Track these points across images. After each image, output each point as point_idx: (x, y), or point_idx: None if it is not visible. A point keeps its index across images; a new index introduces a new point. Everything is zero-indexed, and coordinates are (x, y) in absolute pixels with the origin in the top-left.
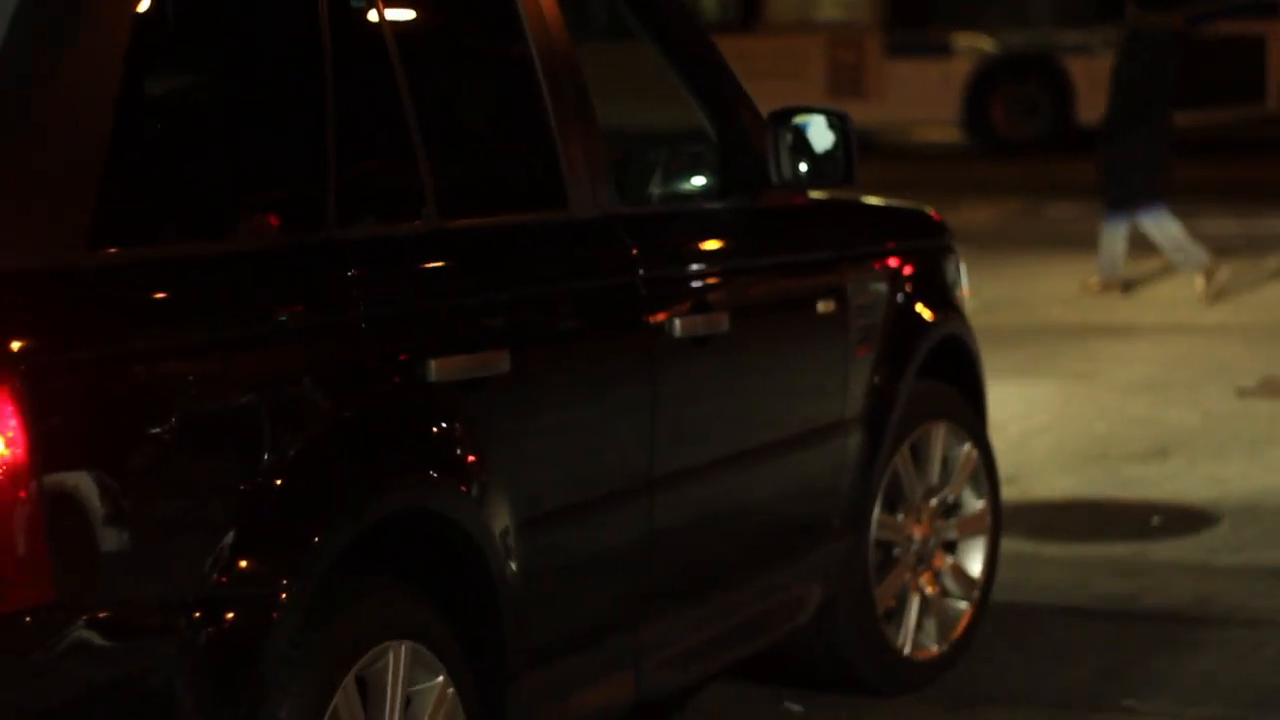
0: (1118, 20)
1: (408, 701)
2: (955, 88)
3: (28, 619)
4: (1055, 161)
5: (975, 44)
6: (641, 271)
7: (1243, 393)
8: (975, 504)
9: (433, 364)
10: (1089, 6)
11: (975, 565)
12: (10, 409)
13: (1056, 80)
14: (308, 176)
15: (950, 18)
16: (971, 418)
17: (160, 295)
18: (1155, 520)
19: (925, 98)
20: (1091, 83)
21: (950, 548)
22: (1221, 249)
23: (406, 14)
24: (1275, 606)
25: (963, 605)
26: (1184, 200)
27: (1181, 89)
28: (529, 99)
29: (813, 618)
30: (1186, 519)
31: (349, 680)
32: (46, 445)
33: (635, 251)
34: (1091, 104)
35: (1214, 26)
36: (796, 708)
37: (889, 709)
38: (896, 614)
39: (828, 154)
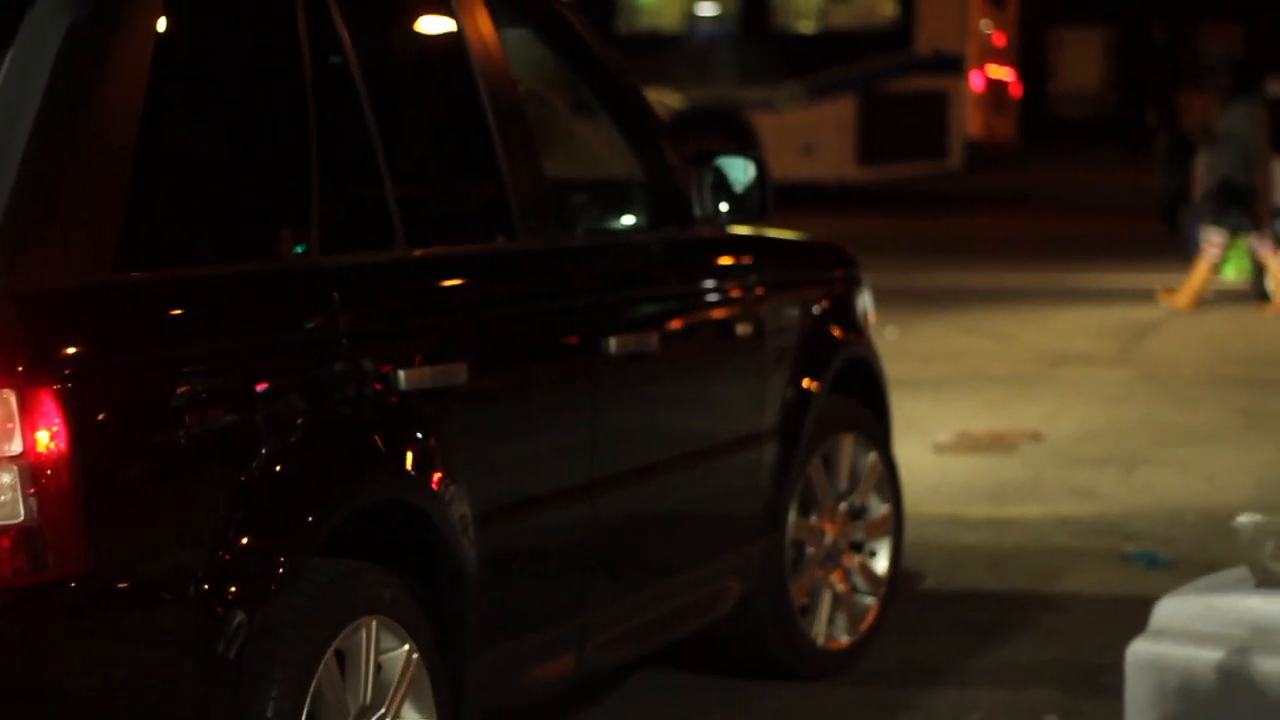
0: (801, 77)
1: (379, 669)
2: None
3: (69, 585)
4: None
5: (664, 100)
6: (581, 295)
7: (939, 448)
8: (880, 509)
9: (402, 374)
10: (772, 66)
11: (881, 564)
12: (53, 408)
13: (742, 134)
14: (295, 210)
15: (640, 75)
16: (877, 430)
17: (174, 312)
18: None
19: None
20: (775, 137)
21: (858, 549)
22: (908, 301)
23: (375, 65)
24: (981, 665)
25: (869, 600)
26: (872, 254)
27: (868, 145)
28: (481, 140)
29: (734, 609)
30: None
31: (332, 649)
32: (82, 439)
33: (576, 278)
34: (774, 158)
35: (899, 83)
36: None
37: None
38: (811, 608)
39: (745, 191)
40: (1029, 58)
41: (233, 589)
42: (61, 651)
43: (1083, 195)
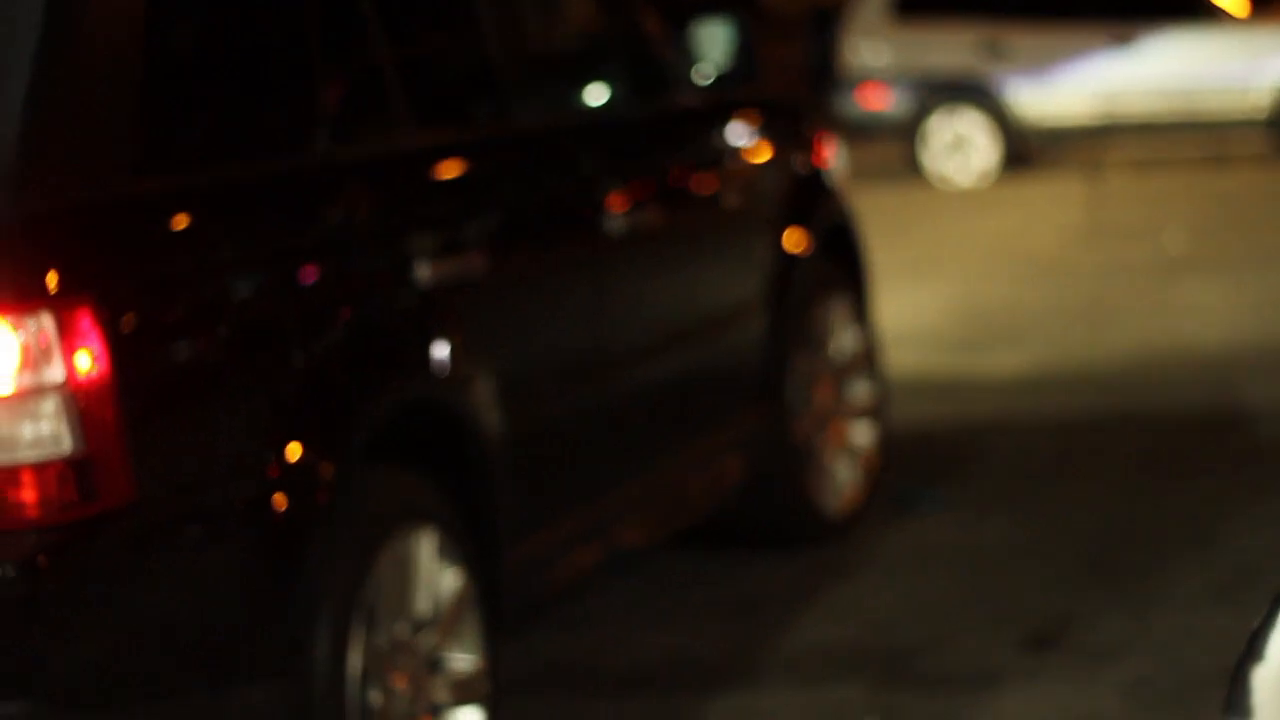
0: None
1: (427, 575)
2: None
3: (116, 517)
4: None
5: None
6: (578, 173)
7: None
8: (855, 344)
9: (424, 267)
10: None
11: (865, 394)
12: (92, 328)
13: None
14: (304, 105)
15: None
16: (856, 291)
17: (199, 217)
18: None
19: None
20: None
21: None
22: None
23: None
24: (771, 658)
25: (865, 433)
26: None
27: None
28: (471, 23)
29: (744, 483)
30: None
31: (380, 556)
32: (123, 359)
33: (571, 155)
34: None
35: None
36: None
37: None
38: (825, 477)
39: (729, 56)
40: None
41: (278, 501)
42: (114, 581)
43: None
